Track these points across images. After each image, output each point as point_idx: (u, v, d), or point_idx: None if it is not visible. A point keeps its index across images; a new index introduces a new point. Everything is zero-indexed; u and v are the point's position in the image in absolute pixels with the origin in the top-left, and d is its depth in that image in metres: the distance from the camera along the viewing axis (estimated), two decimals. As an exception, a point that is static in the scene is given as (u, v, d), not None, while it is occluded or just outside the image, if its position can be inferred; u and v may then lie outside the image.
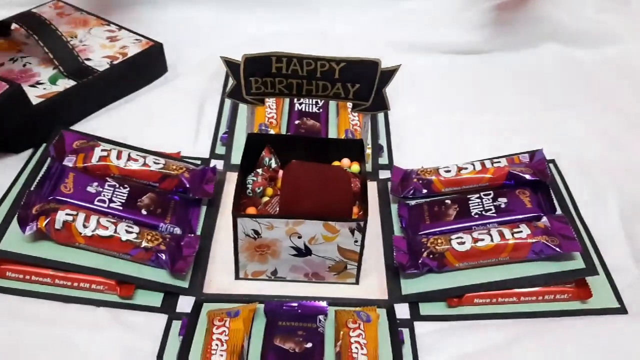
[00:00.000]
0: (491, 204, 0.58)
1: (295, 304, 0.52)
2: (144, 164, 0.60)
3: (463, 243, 0.54)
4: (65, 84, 0.70)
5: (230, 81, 0.56)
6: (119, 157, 0.60)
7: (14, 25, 0.77)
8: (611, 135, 0.73)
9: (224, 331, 0.47)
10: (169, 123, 0.72)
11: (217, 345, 0.47)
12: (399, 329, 0.51)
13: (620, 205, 0.63)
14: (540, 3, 0.76)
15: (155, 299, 0.53)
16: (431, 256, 0.54)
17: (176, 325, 0.51)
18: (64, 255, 0.52)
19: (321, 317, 0.51)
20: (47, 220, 0.52)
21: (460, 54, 0.86)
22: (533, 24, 0.86)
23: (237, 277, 0.55)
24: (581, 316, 0.52)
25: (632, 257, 0.58)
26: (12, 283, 0.52)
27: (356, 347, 0.47)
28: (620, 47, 0.88)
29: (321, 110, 0.72)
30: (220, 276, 0.55)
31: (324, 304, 0.52)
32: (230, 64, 0.54)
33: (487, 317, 0.53)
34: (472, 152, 0.68)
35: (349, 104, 0.65)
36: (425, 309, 0.53)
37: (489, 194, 0.59)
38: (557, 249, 0.52)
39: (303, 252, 0.52)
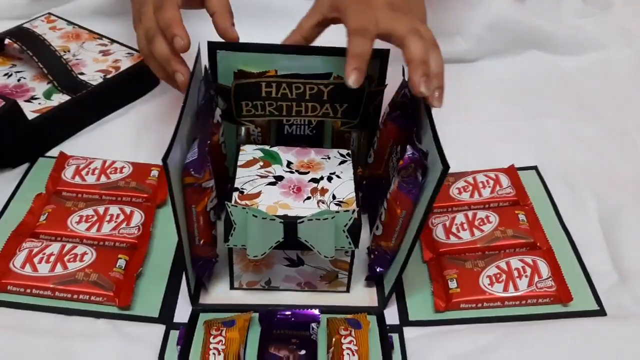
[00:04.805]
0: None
1: (289, 313, 0.53)
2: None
3: (378, 227, 0.56)
4: (59, 98, 0.72)
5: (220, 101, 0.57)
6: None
7: (7, 41, 0.78)
8: (593, 142, 0.75)
9: (221, 340, 0.49)
10: (163, 135, 0.73)
11: (214, 354, 0.48)
12: (389, 334, 0.53)
13: (600, 211, 0.65)
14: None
15: (153, 309, 0.55)
16: (372, 256, 0.57)
17: (174, 335, 0.52)
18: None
19: (314, 325, 0.53)
20: None
21: (445, 63, 0.88)
22: (515, 31, 0.89)
23: (232, 287, 0.56)
24: (562, 319, 0.55)
25: (611, 262, 0.60)
26: (13, 297, 0.54)
27: (348, 353, 0.49)
28: (602, 53, 0.90)
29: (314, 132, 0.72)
30: (215, 286, 0.57)
31: (316, 312, 0.54)
32: (221, 89, 0.56)
33: (473, 322, 0.55)
34: (457, 159, 0.70)
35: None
36: (413, 314, 0.55)
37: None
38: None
39: (296, 262, 0.54)
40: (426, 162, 0.50)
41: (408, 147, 0.51)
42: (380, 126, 0.60)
